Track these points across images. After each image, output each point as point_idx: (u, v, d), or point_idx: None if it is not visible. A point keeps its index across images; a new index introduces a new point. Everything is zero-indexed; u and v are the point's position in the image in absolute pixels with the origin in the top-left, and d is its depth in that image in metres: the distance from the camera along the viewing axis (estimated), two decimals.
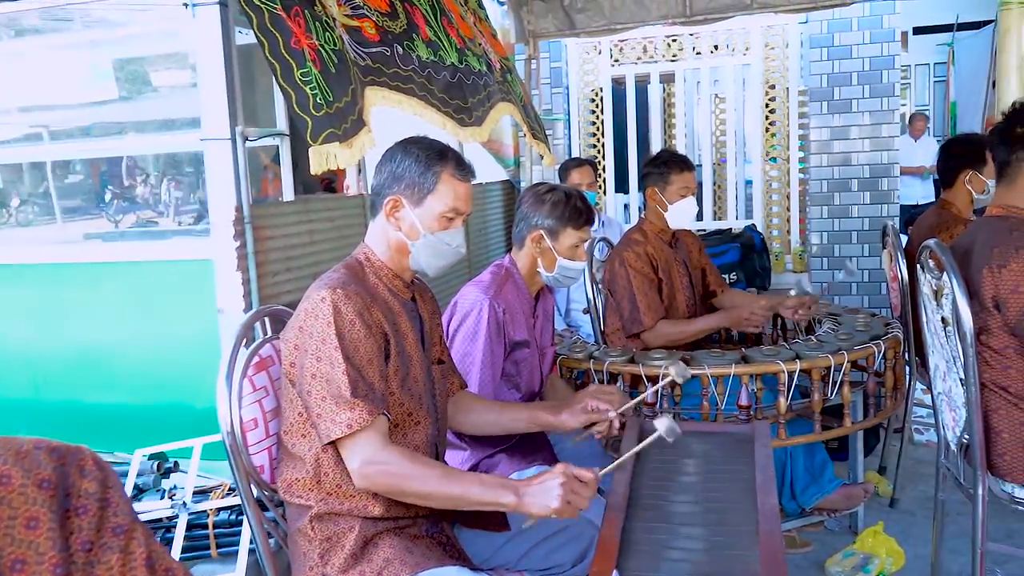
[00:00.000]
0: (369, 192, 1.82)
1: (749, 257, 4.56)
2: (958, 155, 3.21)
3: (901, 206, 7.66)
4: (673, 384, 2.53)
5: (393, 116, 2.70)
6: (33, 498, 0.85)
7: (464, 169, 1.70)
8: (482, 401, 2.00)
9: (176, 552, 2.07)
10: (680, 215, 3.00)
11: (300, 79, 2.03)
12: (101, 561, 0.90)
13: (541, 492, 1.43)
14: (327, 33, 2.16)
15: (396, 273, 1.71)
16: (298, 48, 2.03)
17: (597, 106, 5.79)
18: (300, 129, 2.05)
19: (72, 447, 0.92)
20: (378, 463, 1.49)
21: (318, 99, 2.05)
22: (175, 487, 2.26)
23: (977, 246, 2.16)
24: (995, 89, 4.86)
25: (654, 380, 2.49)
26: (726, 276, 4.44)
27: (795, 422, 2.60)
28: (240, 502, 1.68)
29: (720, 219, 5.91)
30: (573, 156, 5.47)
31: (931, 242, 2.20)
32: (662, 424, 1.48)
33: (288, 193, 2.65)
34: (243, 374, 1.68)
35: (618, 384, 2.59)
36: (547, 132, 5.69)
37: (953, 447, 2.30)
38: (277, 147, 2.66)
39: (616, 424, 1.89)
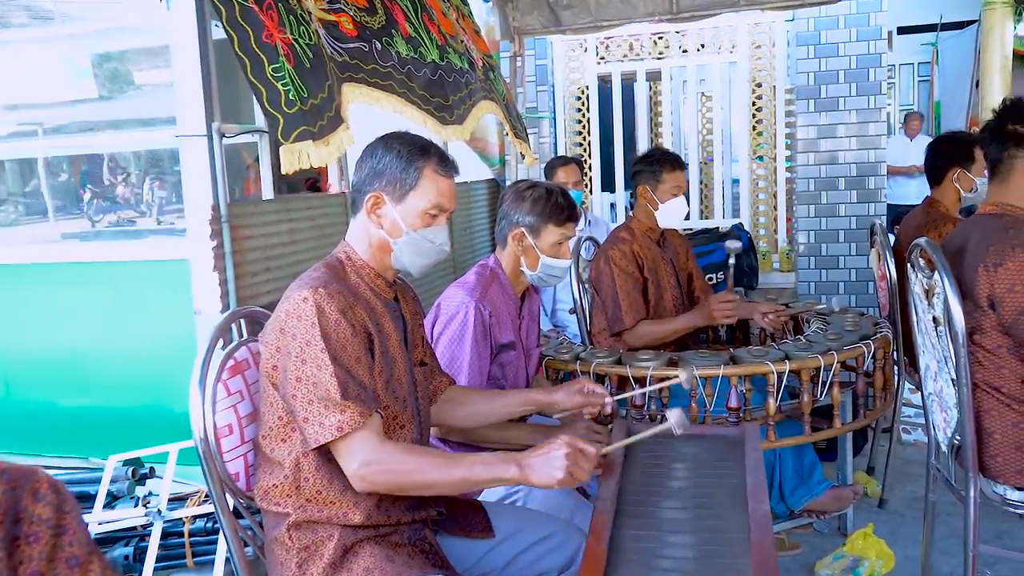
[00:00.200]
0: (350, 190, 1.76)
1: (736, 256, 4.52)
2: (946, 153, 3.19)
3: (891, 205, 7.66)
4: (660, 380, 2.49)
5: (376, 113, 2.65)
6: None
7: (447, 165, 1.65)
8: (474, 392, 1.97)
9: (150, 562, 2.01)
10: (670, 214, 2.96)
11: (272, 75, 1.96)
12: None
13: (545, 462, 1.42)
14: (302, 27, 2.10)
15: (378, 272, 1.66)
16: (270, 43, 1.97)
17: (583, 104, 5.75)
18: (271, 127, 1.98)
19: (25, 468, 0.85)
20: (376, 462, 1.45)
21: (291, 95, 1.98)
22: (150, 494, 2.20)
23: (971, 244, 2.13)
24: (979, 89, 4.88)
25: (641, 382, 2.45)
26: (713, 276, 4.41)
27: (784, 423, 2.57)
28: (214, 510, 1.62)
29: (707, 218, 5.89)
30: (559, 154, 5.42)
31: (922, 241, 2.17)
32: (673, 416, 1.47)
33: (267, 191, 2.59)
34: (217, 378, 1.62)
35: (605, 385, 2.55)
36: (533, 130, 5.68)
37: (944, 448, 2.27)
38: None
39: (608, 410, 1.86)
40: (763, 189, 5.50)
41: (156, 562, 2.03)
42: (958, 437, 2.14)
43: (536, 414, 2.12)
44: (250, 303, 2.29)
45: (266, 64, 1.96)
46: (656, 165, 2.96)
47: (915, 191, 7.70)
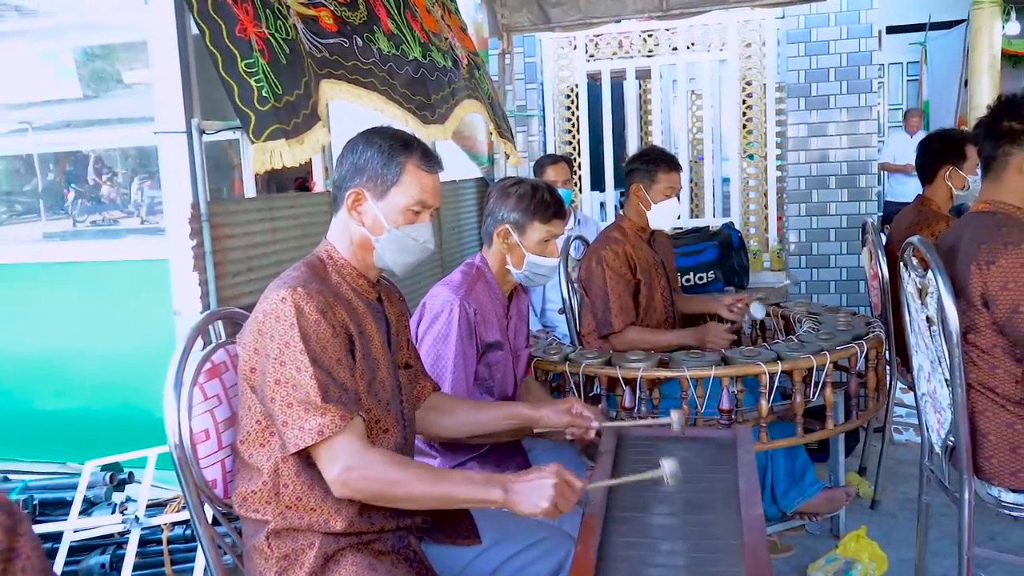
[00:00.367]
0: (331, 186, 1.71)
1: (727, 255, 4.50)
2: (938, 151, 3.17)
3: (890, 202, 7.62)
4: (652, 387, 2.46)
5: (357, 111, 2.60)
6: None
7: (430, 160, 1.60)
8: (459, 401, 1.91)
9: (127, 570, 1.95)
10: (663, 215, 2.93)
11: (244, 70, 1.90)
12: None
13: (532, 490, 1.38)
14: (279, 21, 2.04)
15: (360, 272, 1.61)
16: (244, 37, 1.91)
17: (572, 102, 5.72)
18: (243, 124, 1.92)
19: None
20: (358, 468, 1.40)
21: (264, 92, 1.92)
22: (128, 500, 2.14)
23: (963, 242, 2.10)
24: (967, 88, 4.86)
25: (631, 382, 2.41)
26: (703, 275, 4.38)
27: (775, 424, 2.54)
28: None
29: (697, 217, 5.86)
30: (548, 153, 5.38)
31: (915, 239, 2.14)
32: (668, 466, 1.41)
33: (250, 190, 2.54)
34: (193, 382, 1.57)
35: (595, 387, 2.51)
36: (522, 128, 5.64)
37: (937, 449, 2.24)
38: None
39: (591, 435, 1.82)
40: (753, 188, 5.48)
41: (133, 570, 1.98)
42: (952, 439, 2.12)
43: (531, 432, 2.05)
44: (231, 304, 2.23)
45: (239, 59, 1.90)
46: (652, 165, 2.92)
47: (914, 188, 7.67)
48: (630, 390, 2.41)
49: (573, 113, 5.73)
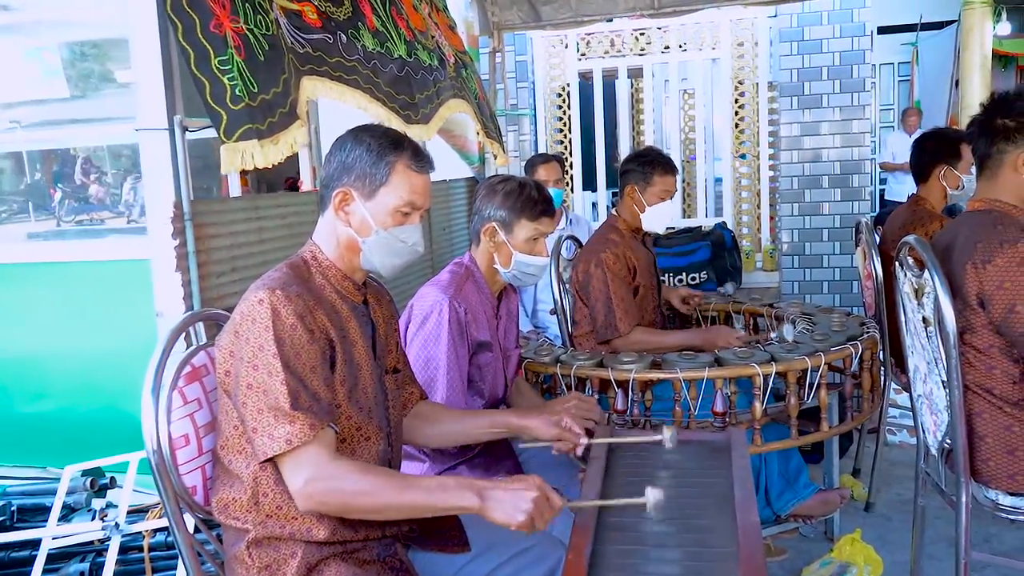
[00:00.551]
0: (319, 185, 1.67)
1: (720, 255, 4.47)
2: (932, 150, 3.14)
3: (889, 201, 7.60)
4: (644, 389, 2.42)
5: (351, 110, 2.55)
6: None
7: (421, 159, 1.55)
8: (444, 410, 1.86)
9: None
10: (657, 218, 2.89)
11: (217, 67, 1.85)
12: None
13: (510, 501, 1.33)
14: (259, 16, 1.98)
15: (346, 274, 1.56)
16: (219, 32, 1.85)
17: (564, 101, 5.68)
18: (214, 123, 1.87)
19: None
20: (323, 479, 1.35)
21: (237, 90, 1.86)
22: (108, 506, 2.09)
23: (959, 241, 2.07)
24: (959, 88, 4.85)
25: (623, 384, 2.37)
26: (696, 275, 4.35)
27: (769, 426, 2.50)
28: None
29: (690, 217, 5.84)
30: (539, 152, 5.34)
31: (911, 238, 2.11)
32: (652, 496, 1.36)
33: (235, 189, 2.49)
34: (173, 385, 1.52)
35: (587, 389, 2.47)
36: (513, 127, 5.60)
37: (934, 452, 2.22)
38: None
39: (579, 452, 1.77)
40: (746, 187, 5.45)
41: None
42: (948, 441, 2.09)
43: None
44: (216, 305, 2.18)
45: (212, 56, 1.84)
46: (648, 167, 2.87)
47: (912, 187, 7.66)
48: (622, 392, 2.37)
49: (564, 112, 5.70)
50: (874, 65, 6.75)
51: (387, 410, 1.61)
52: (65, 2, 3.50)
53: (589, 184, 5.90)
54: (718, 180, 5.76)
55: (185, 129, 2.14)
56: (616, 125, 5.95)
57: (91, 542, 2.02)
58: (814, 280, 5.17)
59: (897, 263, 2.23)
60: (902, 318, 2.29)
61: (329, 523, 1.43)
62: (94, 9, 3.25)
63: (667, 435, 1.62)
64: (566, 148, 5.70)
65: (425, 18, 3.20)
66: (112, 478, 2.31)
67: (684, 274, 4.32)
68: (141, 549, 1.99)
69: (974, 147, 2.17)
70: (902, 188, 7.56)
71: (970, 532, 2.05)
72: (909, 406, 3.38)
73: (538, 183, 2.17)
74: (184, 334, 1.64)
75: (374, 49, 2.60)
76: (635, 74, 6.24)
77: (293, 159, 3.87)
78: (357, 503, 1.37)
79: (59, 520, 2.04)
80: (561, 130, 5.72)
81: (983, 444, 2.04)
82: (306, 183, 3.45)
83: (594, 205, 6.11)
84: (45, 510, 2.10)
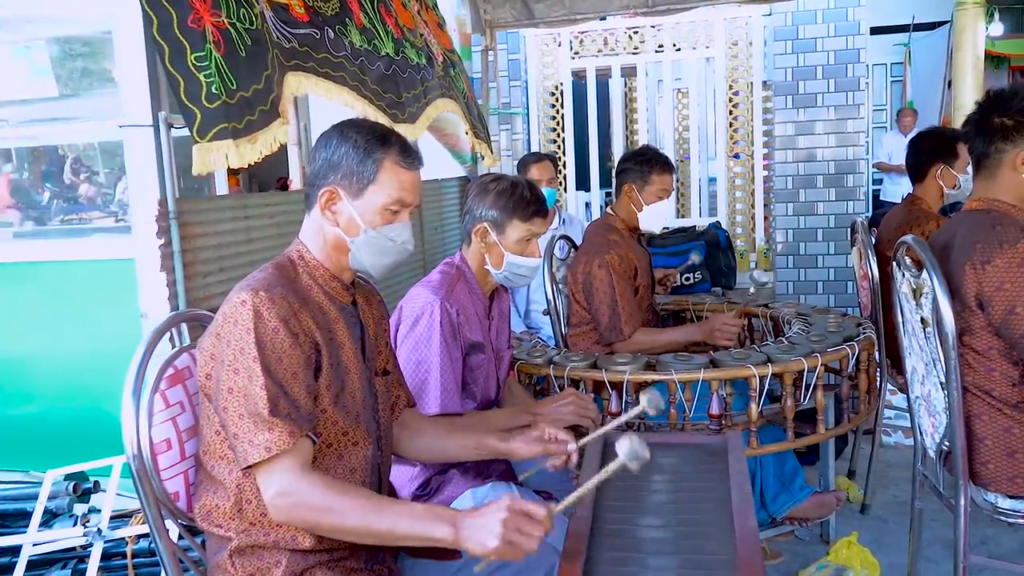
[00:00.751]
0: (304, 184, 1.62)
1: (714, 256, 4.44)
2: (929, 149, 3.12)
3: (885, 202, 7.58)
4: (638, 390, 2.38)
5: (339, 107, 2.50)
6: None
7: (410, 156, 1.50)
8: (431, 423, 1.81)
9: None
10: (655, 216, 2.87)
11: (193, 63, 1.79)
12: None
13: (479, 527, 1.23)
14: (243, 10, 1.93)
15: (334, 274, 1.51)
16: (197, 28, 1.80)
17: (557, 100, 5.65)
18: (188, 122, 1.81)
19: None
20: (291, 494, 1.30)
21: (214, 87, 1.81)
22: (90, 511, 2.04)
23: (957, 241, 2.04)
24: (951, 89, 4.84)
25: (617, 386, 2.34)
26: (690, 275, 4.32)
27: (765, 428, 2.47)
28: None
29: (684, 216, 5.82)
30: (532, 151, 5.31)
31: (909, 238, 2.08)
32: (623, 447, 1.27)
33: (221, 187, 2.44)
34: (155, 388, 1.48)
35: (580, 391, 2.43)
36: (505, 126, 5.56)
37: (932, 454, 2.19)
38: None
39: (575, 459, 1.71)
40: (740, 187, 5.43)
41: None
42: (947, 443, 2.06)
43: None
44: (202, 305, 2.14)
45: (188, 51, 1.79)
46: (646, 165, 2.86)
47: (908, 188, 7.63)
48: (616, 394, 2.34)
49: (558, 111, 5.66)
50: (867, 65, 6.76)
51: (376, 413, 1.57)
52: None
53: (582, 184, 5.87)
54: (712, 180, 5.74)
55: (170, 126, 2.09)
56: (610, 124, 5.93)
57: (73, 548, 1.97)
58: (809, 280, 5.15)
59: (895, 263, 2.21)
60: (899, 319, 2.26)
61: (316, 533, 1.39)
62: (81, 5, 3.19)
63: (645, 400, 1.54)
64: (559, 147, 5.67)
65: (414, 16, 3.16)
66: (96, 482, 2.26)
67: (678, 274, 4.28)
68: (124, 555, 1.94)
69: (971, 146, 2.14)
70: (897, 189, 7.54)
71: (968, 535, 2.02)
72: (904, 407, 3.37)
73: (530, 182, 2.13)
74: (169, 335, 1.60)
75: (361, 46, 2.55)
76: (629, 73, 6.22)
77: (285, 158, 3.83)
78: (324, 522, 1.31)
79: (40, 526, 1.99)
80: (554, 129, 5.69)
81: (982, 446, 2.01)
82: (295, 182, 3.41)
83: (587, 205, 6.08)
84: (26, 515, 2.04)
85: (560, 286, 3.08)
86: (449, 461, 1.84)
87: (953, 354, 1.94)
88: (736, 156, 5.39)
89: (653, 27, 5.34)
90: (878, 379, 2.93)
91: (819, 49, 4.94)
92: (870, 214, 7.14)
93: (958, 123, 4.26)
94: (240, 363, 1.31)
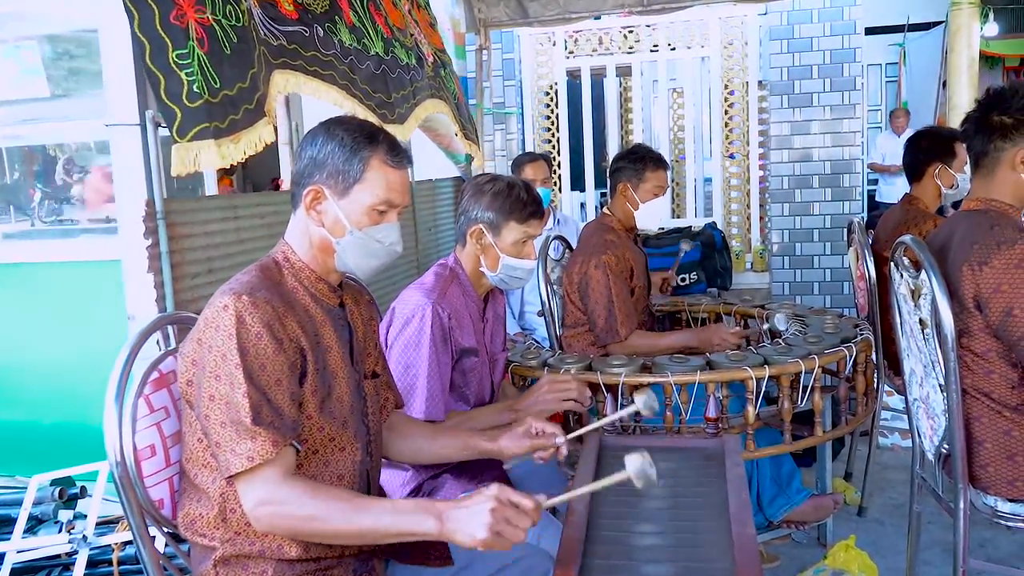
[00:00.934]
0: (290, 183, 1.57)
1: (710, 256, 4.41)
2: (926, 149, 3.10)
3: (881, 203, 7.56)
4: (633, 393, 2.35)
5: (332, 106, 2.47)
6: None
7: (398, 154, 1.46)
8: (418, 425, 1.77)
9: None
10: (651, 215, 2.85)
11: (174, 61, 1.75)
12: None
13: (466, 518, 1.20)
14: (229, 6, 1.88)
15: (320, 276, 1.48)
16: (179, 24, 1.76)
17: (552, 100, 5.62)
18: (167, 121, 1.77)
19: None
20: (273, 503, 1.26)
21: (196, 87, 1.76)
22: (77, 516, 2.00)
23: (955, 242, 2.01)
24: (946, 89, 4.83)
25: (612, 389, 2.31)
26: (686, 276, 4.30)
27: (762, 431, 2.45)
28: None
29: (679, 217, 5.79)
30: (527, 151, 5.28)
31: (907, 238, 2.05)
32: (632, 464, 1.23)
33: (210, 187, 2.41)
34: (139, 392, 1.44)
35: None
36: (500, 126, 5.53)
37: (930, 457, 2.16)
38: None
39: (564, 452, 1.68)
40: (736, 187, 5.40)
41: None
42: (946, 446, 2.03)
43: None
44: (190, 307, 2.11)
45: (170, 49, 1.75)
46: (640, 163, 2.84)
47: (903, 188, 7.60)
48: (611, 396, 2.30)
49: (552, 111, 5.63)
50: (863, 65, 6.76)
51: (365, 417, 1.54)
52: None
53: (577, 184, 5.84)
54: (707, 180, 5.71)
55: (158, 125, 2.06)
56: (604, 124, 5.90)
57: (58, 556, 1.93)
58: (805, 281, 5.13)
59: (892, 264, 2.18)
60: (897, 320, 2.23)
61: (301, 539, 1.35)
62: (68, 3, 3.15)
63: (640, 401, 1.51)
64: (554, 147, 5.64)
65: (405, 15, 3.12)
66: (83, 487, 2.23)
67: (675, 275, 4.25)
68: (111, 563, 1.90)
69: (969, 145, 2.11)
70: (892, 190, 7.52)
71: (968, 540, 2.00)
72: (901, 408, 3.35)
73: (527, 183, 2.10)
74: (156, 338, 1.57)
75: (351, 45, 2.51)
76: (623, 73, 6.19)
77: (279, 158, 3.79)
78: (307, 528, 1.28)
79: (25, 532, 1.95)
80: (549, 129, 5.66)
81: (982, 449, 1.99)
82: (287, 182, 3.37)
83: (582, 205, 6.05)
84: (11, 522, 2.01)
85: (555, 287, 3.05)
86: (437, 462, 1.80)
87: (952, 356, 1.91)
88: (732, 156, 5.36)
89: (648, 26, 5.31)
90: (875, 380, 2.91)
91: (815, 48, 4.92)
92: (865, 216, 7.12)
93: (953, 123, 4.25)
94: (222, 370, 1.28)
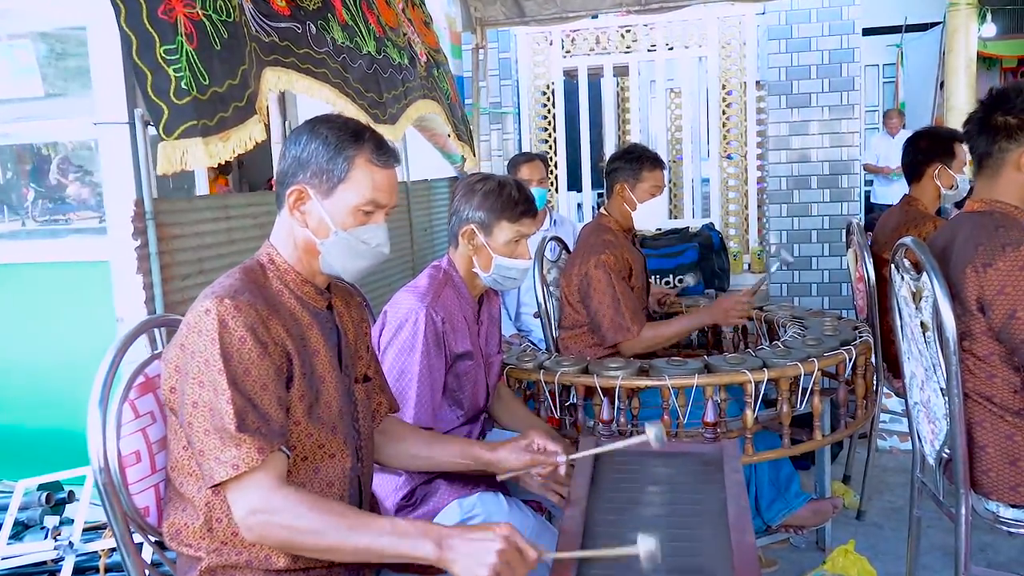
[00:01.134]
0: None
1: (707, 257, 4.39)
2: (926, 149, 3.07)
3: (876, 204, 7.53)
4: (631, 396, 2.32)
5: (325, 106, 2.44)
6: None
7: (385, 153, 1.42)
8: (413, 431, 1.74)
9: None
10: (648, 215, 2.83)
11: (162, 56, 1.71)
12: None
13: (471, 554, 1.17)
14: (219, 2, 1.84)
15: (306, 278, 1.44)
16: (168, 18, 1.72)
17: (549, 99, 5.59)
18: (154, 118, 1.73)
19: None
20: (265, 512, 1.22)
21: (183, 82, 1.72)
22: (63, 522, 1.97)
23: (958, 243, 1.98)
24: (943, 90, 4.81)
25: (609, 392, 2.28)
26: (683, 277, 4.27)
27: (760, 435, 2.42)
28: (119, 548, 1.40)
29: (676, 218, 5.76)
30: (523, 151, 5.25)
31: (908, 240, 2.02)
32: (644, 547, 1.19)
33: (201, 187, 2.37)
34: (124, 397, 1.41)
35: (571, 396, 2.37)
36: (496, 126, 5.50)
37: (931, 461, 2.13)
38: None
39: (562, 471, 1.64)
40: (733, 188, 5.38)
41: None
42: (947, 450, 2.00)
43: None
44: (180, 309, 2.07)
45: (157, 44, 1.71)
46: (636, 163, 2.82)
47: (897, 190, 7.55)
48: (608, 400, 2.27)
49: (549, 111, 5.60)
50: (861, 65, 6.75)
51: (356, 422, 1.50)
52: None
53: (574, 184, 5.81)
54: (705, 181, 5.68)
55: (147, 123, 2.02)
56: (602, 124, 5.87)
57: (44, 562, 1.89)
58: (803, 282, 5.10)
59: (893, 266, 2.15)
60: (898, 322, 2.20)
61: (293, 552, 1.32)
62: (60, 0, 3.11)
63: (652, 434, 1.47)
64: (551, 147, 5.61)
65: (398, 13, 3.09)
66: (71, 492, 2.19)
67: (671, 276, 4.23)
68: (97, 570, 1.87)
69: (972, 145, 2.09)
70: (887, 191, 7.49)
71: (971, 546, 1.97)
72: (899, 411, 3.33)
73: (518, 182, 2.07)
74: (146, 341, 1.53)
75: (343, 43, 2.47)
76: (621, 72, 6.16)
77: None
78: (301, 542, 1.24)
79: (10, 538, 1.91)
80: (546, 129, 5.63)
81: (983, 454, 1.96)
82: None
83: (579, 206, 6.02)
84: None
85: (551, 288, 3.01)
86: (433, 469, 1.77)
87: (954, 359, 1.88)
88: (729, 156, 5.34)
89: (646, 26, 5.29)
90: (875, 383, 2.88)
91: (813, 48, 4.88)
92: (862, 217, 7.09)
93: (950, 124, 4.23)
94: (205, 376, 1.24)
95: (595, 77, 5.79)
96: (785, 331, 2.78)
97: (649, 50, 5.38)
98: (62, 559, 1.84)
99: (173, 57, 1.71)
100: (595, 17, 5.15)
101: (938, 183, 3.03)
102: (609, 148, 5.62)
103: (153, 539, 1.44)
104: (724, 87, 5.27)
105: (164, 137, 1.71)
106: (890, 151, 7.37)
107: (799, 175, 4.99)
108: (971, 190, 2.14)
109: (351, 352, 1.53)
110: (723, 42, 5.20)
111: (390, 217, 1.49)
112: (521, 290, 3.73)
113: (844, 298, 4.90)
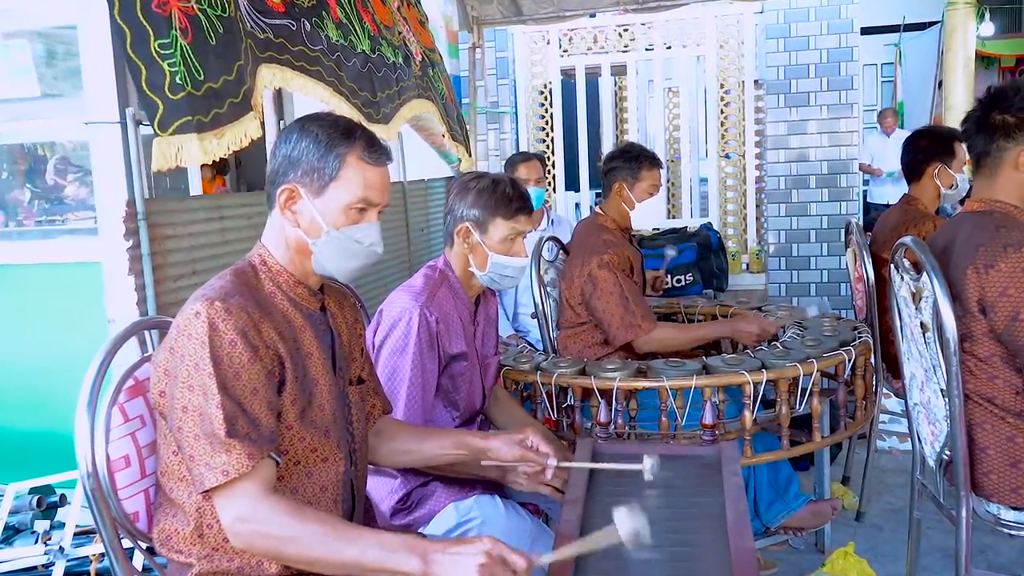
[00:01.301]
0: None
1: (706, 257, 4.37)
2: (926, 148, 3.05)
3: (872, 204, 7.50)
4: (628, 397, 2.30)
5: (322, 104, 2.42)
6: None
7: (376, 151, 1.40)
8: (405, 428, 1.71)
9: None
10: (646, 215, 2.82)
11: (156, 51, 1.68)
12: None
13: (453, 566, 1.15)
14: None
15: (299, 279, 1.41)
16: (162, 12, 1.69)
17: (546, 99, 5.57)
18: (148, 114, 1.71)
19: None
20: (252, 521, 1.20)
21: (178, 78, 1.70)
22: (54, 526, 1.94)
23: (958, 244, 1.96)
24: (942, 89, 4.80)
25: (606, 393, 2.25)
26: (682, 277, 4.25)
27: (759, 436, 2.39)
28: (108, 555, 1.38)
29: (675, 217, 5.75)
30: (520, 151, 5.23)
31: (908, 239, 2.00)
32: (624, 524, 1.18)
33: (194, 186, 2.35)
34: (113, 400, 1.38)
35: (568, 398, 2.35)
36: (493, 126, 5.48)
37: (931, 463, 2.11)
38: None
39: (549, 475, 1.62)
40: (732, 188, 5.36)
41: None
42: (948, 452, 1.99)
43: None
44: (172, 311, 2.04)
45: (152, 38, 1.68)
46: (634, 162, 2.80)
47: (892, 190, 7.51)
48: (605, 402, 2.25)
49: (547, 110, 5.59)
50: (860, 64, 6.74)
51: (350, 425, 1.48)
52: None
53: (572, 184, 5.80)
54: (703, 180, 5.67)
55: (139, 123, 2.00)
56: (600, 124, 5.86)
57: (34, 567, 1.87)
58: (801, 282, 5.09)
59: (893, 266, 2.13)
60: (897, 323, 2.19)
61: (279, 562, 1.30)
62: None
63: (647, 465, 1.46)
64: (548, 147, 5.59)
65: (393, 12, 3.07)
66: (63, 495, 2.17)
67: (670, 276, 4.21)
68: (88, 575, 1.84)
69: (971, 145, 2.07)
70: (882, 191, 7.46)
71: (971, 548, 1.95)
72: (899, 411, 3.31)
73: (513, 179, 2.04)
74: (137, 344, 1.51)
75: (338, 41, 2.45)
76: (618, 72, 6.14)
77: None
78: (286, 552, 1.22)
79: (0, 543, 1.89)
80: (543, 128, 5.61)
81: (984, 456, 1.94)
82: None
83: (577, 205, 6.00)
84: None
85: (548, 288, 2.99)
86: (427, 465, 1.74)
87: (954, 360, 1.86)
88: (728, 156, 5.32)
89: (643, 25, 5.27)
90: (874, 384, 2.86)
91: (811, 47, 4.87)
92: (861, 218, 7.07)
93: (948, 123, 4.22)
94: (195, 380, 1.22)
95: (593, 76, 5.77)
96: (784, 332, 2.76)
97: (647, 49, 5.37)
98: (52, 564, 1.82)
99: (168, 51, 1.69)
100: (593, 16, 5.13)
101: (938, 182, 3.01)
102: (607, 147, 5.61)
103: (143, 545, 1.41)
104: (722, 86, 5.26)
105: (159, 133, 1.69)
106: (885, 150, 7.34)
107: (797, 174, 4.98)
108: (971, 189, 2.12)
109: (345, 354, 1.51)
110: (721, 41, 5.18)
111: (386, 217, 1.47)
112: (519, 290, 3.71)
113: (843, 298, 4.88)
